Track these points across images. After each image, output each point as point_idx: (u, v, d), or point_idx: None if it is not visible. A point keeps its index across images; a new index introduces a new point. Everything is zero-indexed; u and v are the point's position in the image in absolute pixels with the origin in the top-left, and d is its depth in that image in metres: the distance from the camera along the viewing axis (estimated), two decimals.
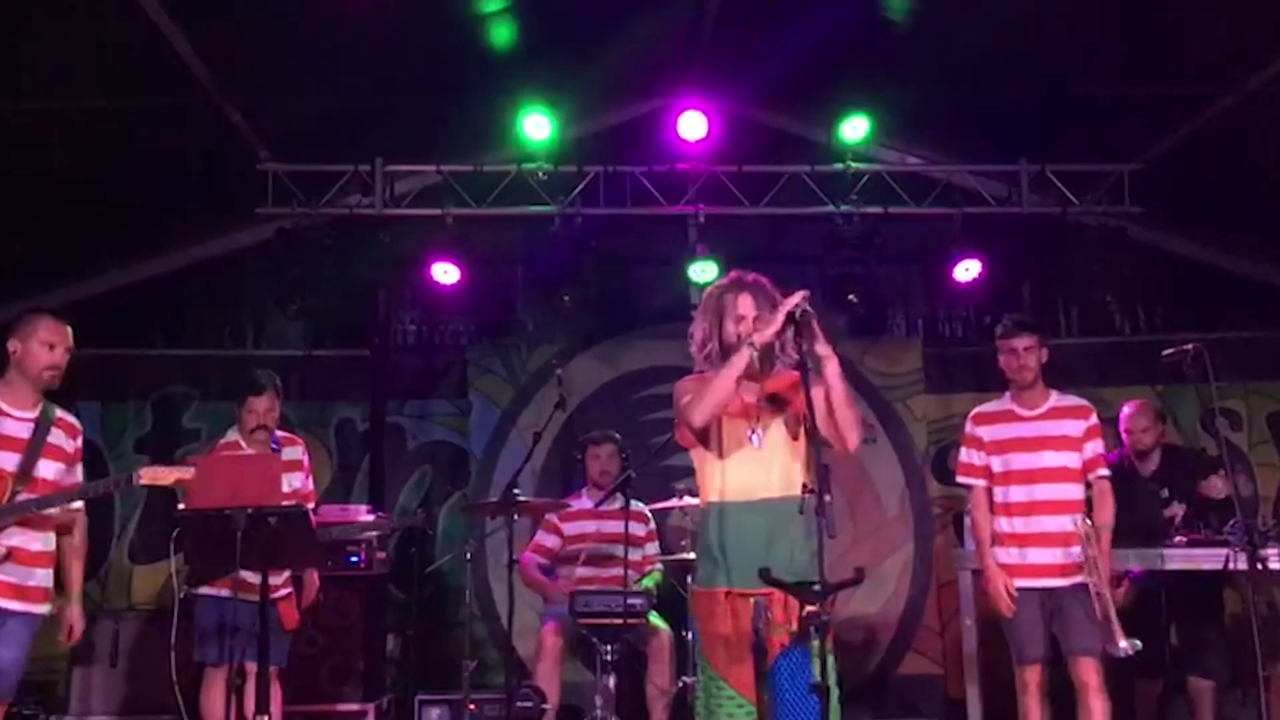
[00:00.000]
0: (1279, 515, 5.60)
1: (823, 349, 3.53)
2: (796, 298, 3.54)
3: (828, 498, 3.21)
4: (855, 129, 7.24)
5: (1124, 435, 6.21)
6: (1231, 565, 4.91)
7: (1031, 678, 4.93)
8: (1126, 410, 6.27)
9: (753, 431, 3.67)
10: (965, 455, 5.17)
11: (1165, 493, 6.16)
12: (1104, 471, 4.99)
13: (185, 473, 4.61)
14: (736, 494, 3.65)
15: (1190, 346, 4.74)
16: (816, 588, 3.17)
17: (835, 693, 3.33)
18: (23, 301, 7.87)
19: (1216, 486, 5.79)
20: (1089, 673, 4.82)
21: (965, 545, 6.31)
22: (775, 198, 7.46)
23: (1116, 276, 7.31)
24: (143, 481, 4.54)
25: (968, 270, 7.52)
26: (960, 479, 5.21)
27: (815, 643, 3.43)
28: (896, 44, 6.88)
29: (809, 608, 3.17)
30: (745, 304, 3.73)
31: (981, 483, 5.10)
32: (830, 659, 3.42)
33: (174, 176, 6.92)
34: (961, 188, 7.64)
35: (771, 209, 7.48)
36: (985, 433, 5.10)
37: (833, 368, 3.56)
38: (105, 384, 8.10)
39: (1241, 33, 5.99)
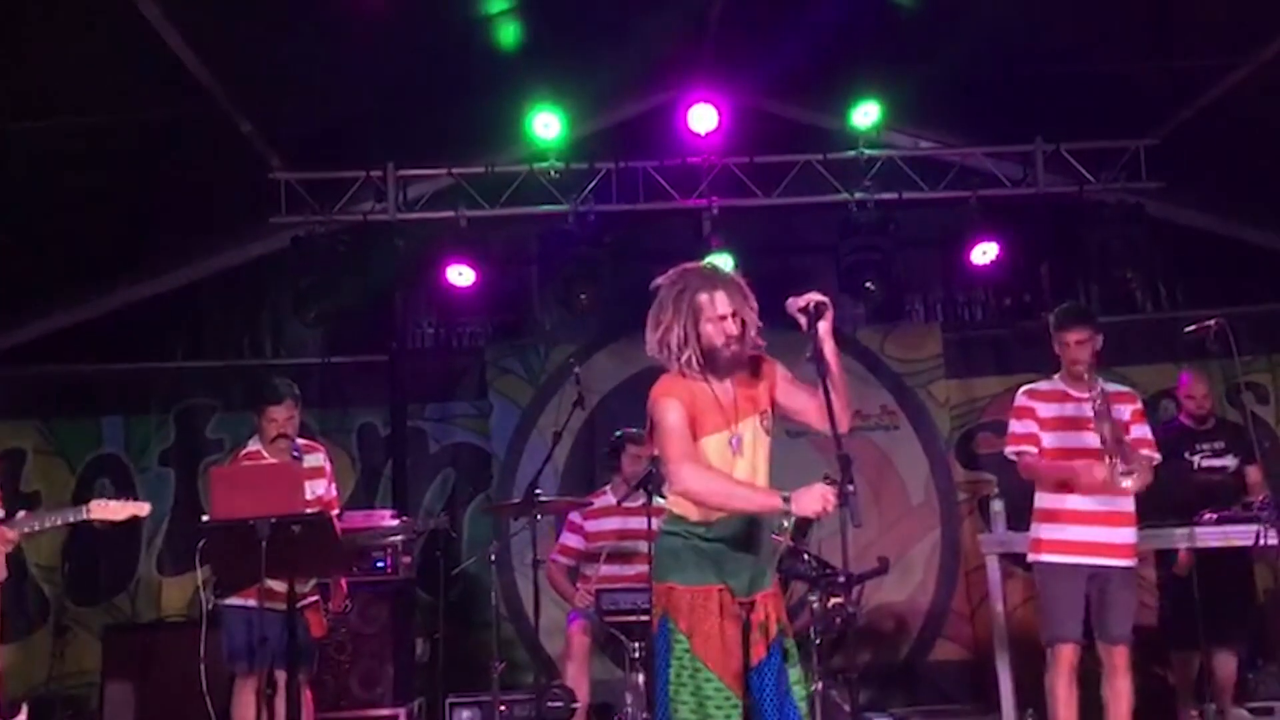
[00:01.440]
0: None
1: (823, 328, 3.46)
2: (813, 297, 3.47)
3: (850, 487, 3.16)
4: (867, 115, 7.21)
5: (1185, 401, 6.26)
6: (1262, 541, 4.87)
7: (1064, 657, 4.87)
8: (1186, 378, 6.34)
9: (732, 438, 3.56)
10: (1018, 426, 5.08)
11: (1220, 444, 6.20)
12: (1154, 454, 4.94)
13: (139, 508, 4.68)
14: None
15: (1213, 322, 4.69)
16: (841, 579, 3.13)
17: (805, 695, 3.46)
18: (42, 319, 7.96)
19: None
20: (1120, 657, 4.85)
21: (993, 529, 6.28)
22: (788, 187, 7.42)
23: (1136, 253, 7.24)
24: (92, 516, 4.60)
25: (985, 253, 7.47)
26: (1011, 448, 5.09)
27: (790, 645, 3.51)
28: (904, 27, 6.83)
29: (834, 599, 3.15)
30: (723, 302, 3.51)
31: (1033, 449, 5.00)
32: (799, 668, 3.55)
33: (187, 189, 6.95)
34: (976, 170, 7.58)
35: (785, 199, 7.44)
36: (1038, 407, 5.06)
37: (830, 347, 3.48)
38: (127, 398, 8.19)
39: (1252, 4, 5.92)
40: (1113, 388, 5.05)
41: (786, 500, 3.35)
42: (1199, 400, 6.24)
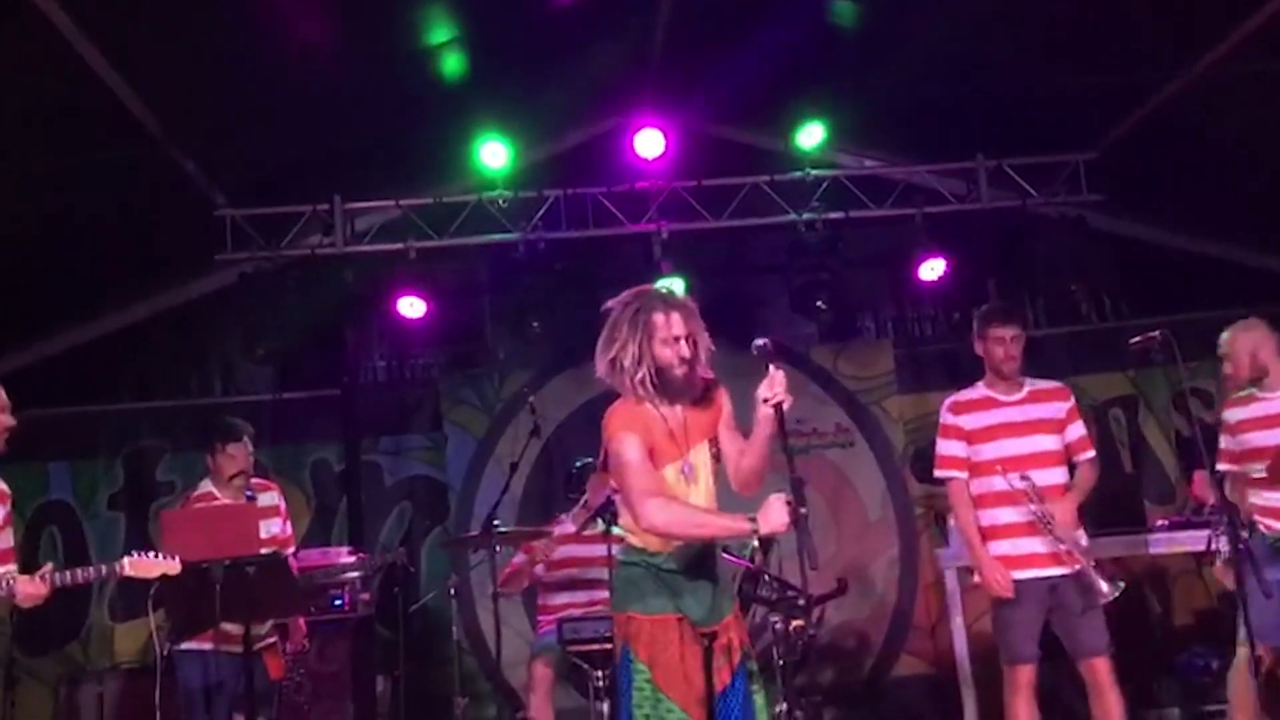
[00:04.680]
0: None
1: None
2: (779, 391, 3.39)
3: (804, 510, 3.16)
4: (811, 136, 7.27)
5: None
6: (1214, 546, 4.87)
7: (1024, 678, 4.71)
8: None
9: (684, 465, 3.56)
10: (945, 447, 4.93)
11: None
12: (1090, 454, 4.86)
13: (171, 566, 4.51)
14: None
15: (1157, 333, 4.69)
16: (800, 601, 3.12)
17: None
18: None
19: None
20: (1101, 671, 4.63)
21: (950, 544, 6.32)
22: (737, 210, 7.46)
23: (1080, 265, 7.37)
24: (127, 573, 4.46)
25: (933, 269, 7.55)
26: (939, 472, 4.97)
27: (754, 667, 3.52)
28: (846, 49, 6.91)
29: (796, 621, 3.14)
30: (677, 323, 3.50)
31: (963, 475, 4.89)
32: (764, 691, 3.56)
33: (131, 229, 6.86)
34: (921, 187, 7.67)
35: (734, 221, 7.48)
36: (966, 421, 4.90)
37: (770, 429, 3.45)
38: (73, 442, 8.03)
39: (1186, 17, 6.05)
40: (1044, 384, 4.93)
41: (753, 521, 3.31)
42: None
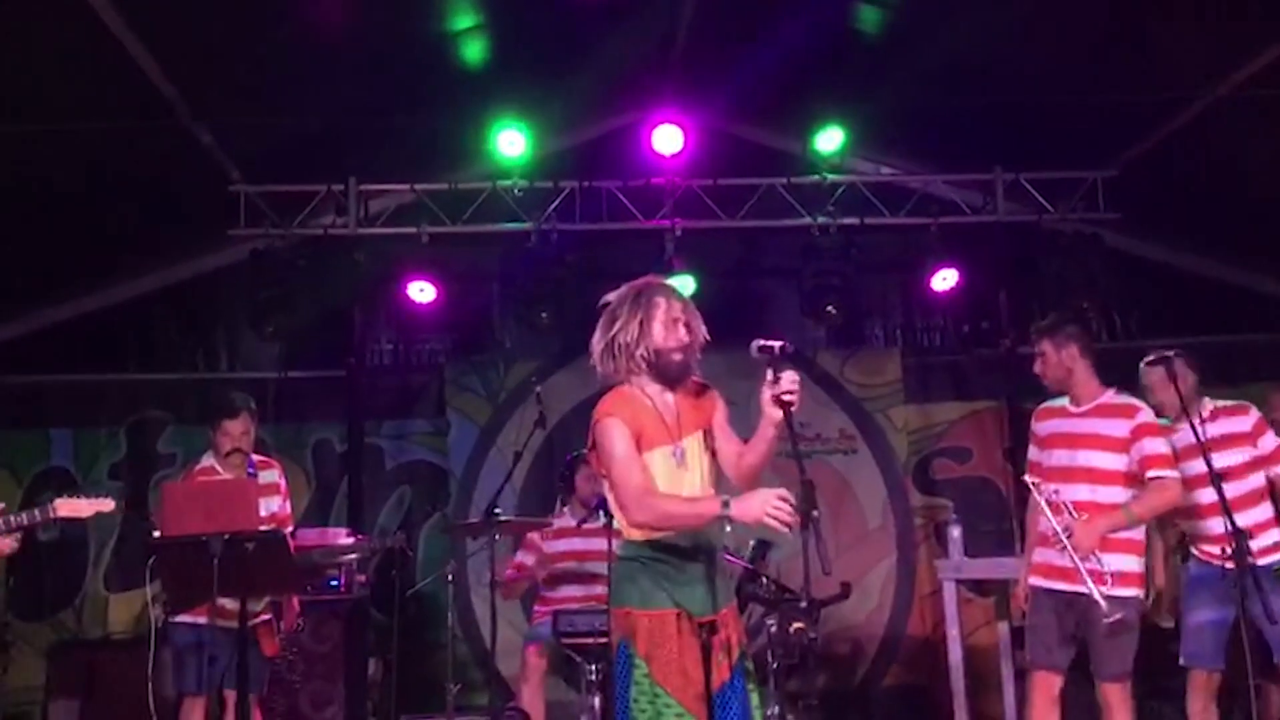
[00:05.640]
0: None
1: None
2: (789, 385, 3.38)
3: (815, 512, 3.14)
4: (830, 140, 7.25)
5: None
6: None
7: (1041, 683, 4.64)
8: None
9: (675, 450, 3.55)
10: (1029, 452, 4.95)
11: None
12: (1161, 472, 4.57)
13: (104, 504, 4.64)
14: None
15: (1172, 353, 4.68)
16: (802, 604, 3.10)
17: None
18: None
19: None
20: (1112, 694, 4.57)
21: (950, 555, 6.30)
22: (751, 210, 7.44)
23: (1093, 283, 7.31)
24: (60, 515, 4.55)
25: (945, 279, 7.53)
26: (1025, 477, 4.94)
27: (750, 665, 3.51)
28: (870, 55, 6.89)
29: (796, 624, 3.11)
30: (676, 307, 3.55)
31: (1037, 479, 4.80)
32: (758, 690, 3.53)
33: (145, 199, 6.85)
34: (937, 197, 7.64)
35: (748, 222, 7.46)
36: (1040, 428, 4.89)
37: (774, 434, 3.46)
38: (77, 410, 8.05)
39: (1210, 39, 6.02)
40: (1116, 399, 4.76)
41: (726, 505, 3.31)
42: None
